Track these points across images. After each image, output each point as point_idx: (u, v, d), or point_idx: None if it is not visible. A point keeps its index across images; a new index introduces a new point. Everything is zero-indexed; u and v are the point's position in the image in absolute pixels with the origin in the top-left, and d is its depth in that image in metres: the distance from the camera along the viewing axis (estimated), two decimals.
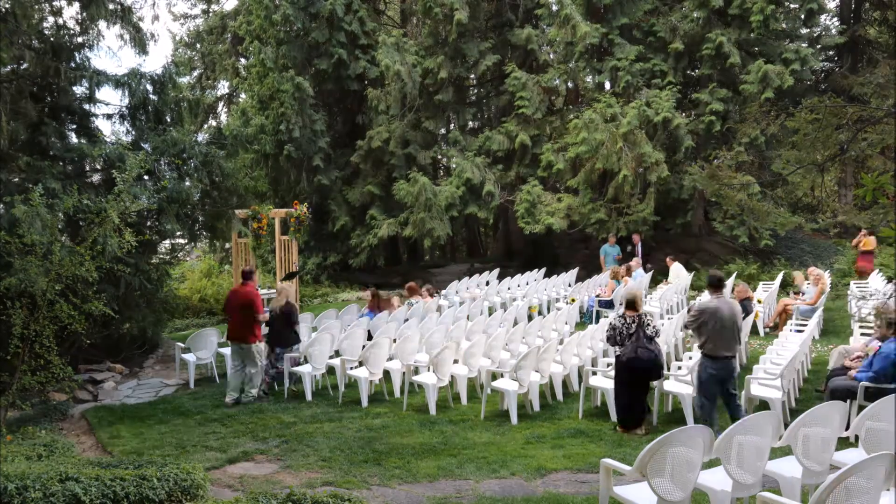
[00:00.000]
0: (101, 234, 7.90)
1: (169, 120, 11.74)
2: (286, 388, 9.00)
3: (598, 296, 12.92)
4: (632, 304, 7.16)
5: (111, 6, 10.70)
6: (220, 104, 27.65)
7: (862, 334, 8.62)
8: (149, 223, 10.77)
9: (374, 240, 18.45)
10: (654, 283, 14.65)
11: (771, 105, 11.84)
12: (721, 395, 6.54)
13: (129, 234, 8.06)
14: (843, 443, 5.01)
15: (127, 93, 11.15)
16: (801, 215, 16.19)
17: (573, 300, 12.37)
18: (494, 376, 7.94)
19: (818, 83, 19.29)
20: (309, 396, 8.73)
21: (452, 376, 8.29)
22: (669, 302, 12.46)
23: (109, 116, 11.51)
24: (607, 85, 18.02)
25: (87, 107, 11.34)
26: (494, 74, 20.32)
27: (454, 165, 20.24)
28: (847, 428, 4.94)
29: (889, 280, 11.07)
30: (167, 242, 12.16)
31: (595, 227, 16.56)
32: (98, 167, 10.58)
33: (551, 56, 19.34)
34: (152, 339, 11.84)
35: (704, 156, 15.80)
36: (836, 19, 20.53)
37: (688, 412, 7.02)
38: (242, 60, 24.91)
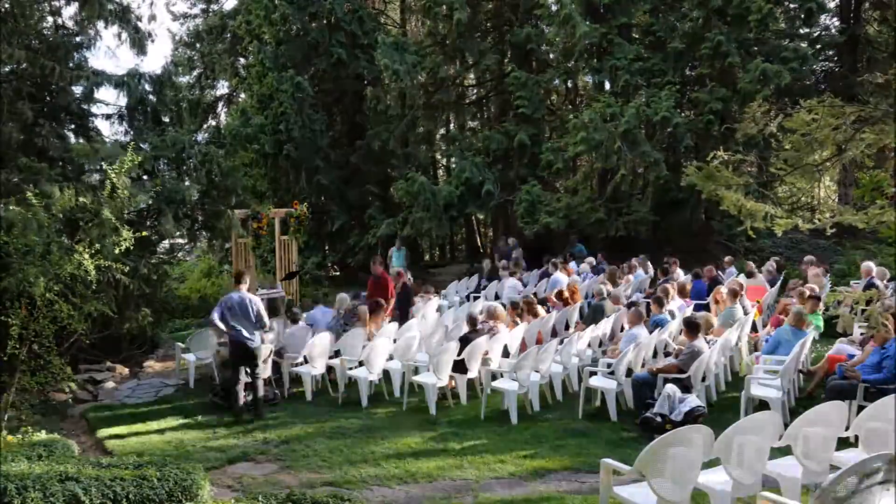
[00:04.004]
0: (98, 235, 7.90)
1: (168, 120, 11.74)
2: (286, 390, 9.02)
3: (593, 296, 12.91)
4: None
5: (110, 6, 10.69)
6: (220, 104, 27.62)
7: (861, 334, 8.61)
8: (148, 223, 10.77)
9: (372, 239, 18.45)
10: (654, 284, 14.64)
11: (770, 104, 11.85)
12: None
13: (126, 233, 8.06)
14: (843, 443, 5.01)
15: (126, 93, 11.15)
16: (800, 215, 16.20)
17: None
18: (494, 376, 7.94)
19: (818, 83, 19.28)
20: (309, 396, 8.73)
21: (452, 376, 8.28)
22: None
23: (108, 117, 11.52)
24: (607, 84, 18.01)
25: (85, 107, 11.34)
26: (494, 74, 20.31)
27: (453, 165, 20.27)
28: (847, 428, 4.94)
29: (890, 280, 11.08)
30: (166, 242, 12.17)
31: (594, 227, 16.55)
32: (97, 167, 10.59)
33: (551, 55, 19.34)
34: (152, 339, 11.83)
35: (702, 156, 15.81)
36: (835, 19, 20.53)
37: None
38: (242, 60, 24.89)
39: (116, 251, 8.00)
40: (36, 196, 7.68)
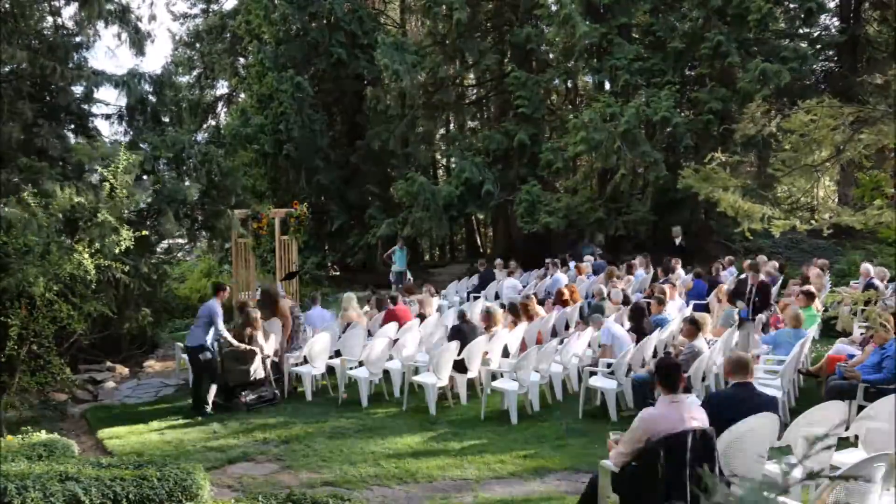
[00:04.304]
0: (98, 235, 7.91)
1: (168, 120, 11.76)
2: (286, 390, 9.01)
3: (593, 296, 12.89)
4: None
5: (109, 6, 10.70)
6: (220, 104, 27.63)
7: (861, 335, 8.62)
8: (148, 223, 10.78)
9: (372, 239, 18.46)
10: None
11: (770, 104, 11.88)
12: None
13: (126, 232, 8.06)
14: (844, 443, 5.02)
15: (125, 93, 11.16)
16: (798, 215, 16.20)
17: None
18: (494, 376, 7.95)
19: (818, 83, 19.28)
20: (309, 396, 8.73)
21: (452, 376, 8.28)
22: None
23: (108, 117, 11.53)
24: (606, 84, 18.03)
25: (85, 107, 11.34)
26: (494, 74, 20.33)
27: (453, 165, 20.27)
28: (847, 428, 4.94)
29: (891, 280, 11.08)
30: (166, 242, 12.16)
31: (594, 227, 16.56)
32: (96, 167, 10.60)
33: (551, 55, 19.36)
34: (152, 339, 11.84)
35: (702, 156, 15.83)
36: (835, 19, 20.54)
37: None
38: (242, 60, 24.91)
39: (116, 251, 8.01)
40: (34, 196, 7.69)
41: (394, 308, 10.27)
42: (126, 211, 8.64)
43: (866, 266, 11.06)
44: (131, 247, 8.28)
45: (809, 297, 8.85)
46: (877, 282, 10.45)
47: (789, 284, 11.76)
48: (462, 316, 8.96)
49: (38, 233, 7.47)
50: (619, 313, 9.99)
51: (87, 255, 7.49)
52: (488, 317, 8.84)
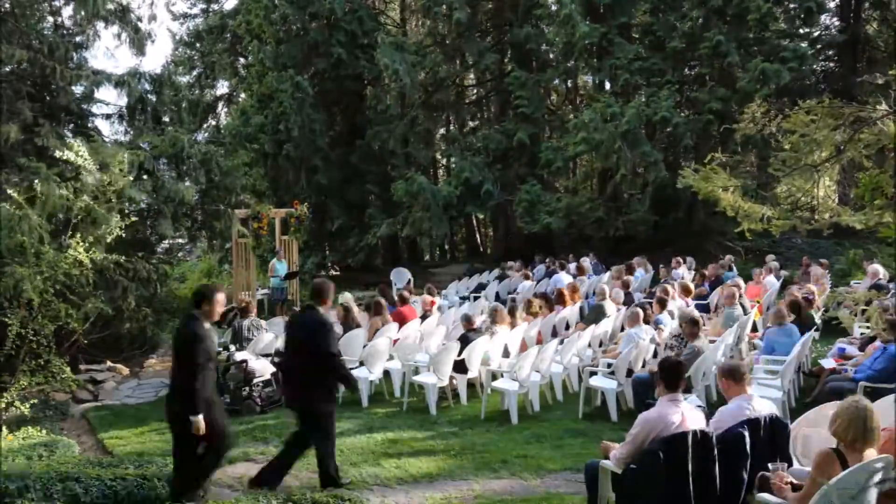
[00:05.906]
0: (92, 231, 7.92)
1: (168, 119, 11.77)
2: None
3: (594, 295, 12.89)
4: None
5: (109, 6, 10.71)
6: (220, 103, 27.64)
7: (861, 334, 8.62)
8: (148, 222, 10.78)
9: (372, 239, 18.46)
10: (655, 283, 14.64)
11: (770, 104, 11.88)
12: None
13: (115, 220, 8.06)
14: None
15: (125, 92, 11.17)
16: (798, 215, 16.17)
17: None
18: (494, 376, 7.94)
19: (818, 83, 19.29)
20: None
21: (452, 376, 8.28)
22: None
23: (108, 116, 11.54)
24: (607, 84, 18.05)
25: (85, 107, 11.35)
26: (494, 74, 20.34)
27: (453, 165, 20.30)
28: None
29: (890, 280, 11.09)
30: (166, 242, 12.16)
31: (594, 227, 16.57)
32: (91, 167, 10.60)
33: (550, 55, 19.38)
34: (152, 339, 11.84)
35: (702, 155, 15.84)
36: (835, 19, 20.55)
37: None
38: (242, 60, 24.92)
39: (108, 240, 8.00)
40: (27, 194, 7.69)
41: (401, 307, 10.29)
42: (127, 211, 8.65)
43: (875, 267, 11.04)
44: (123, 236, 8.27)
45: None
46: (883, 282, 10.45)
47: (796, 279, 11.73)
48: (468, 320, 8.77)
49: (29, 233, 7.46)
50: (619, 314, 10.00)
51: (81, 250, 7.50)
52: (495, 315, 8.89)
